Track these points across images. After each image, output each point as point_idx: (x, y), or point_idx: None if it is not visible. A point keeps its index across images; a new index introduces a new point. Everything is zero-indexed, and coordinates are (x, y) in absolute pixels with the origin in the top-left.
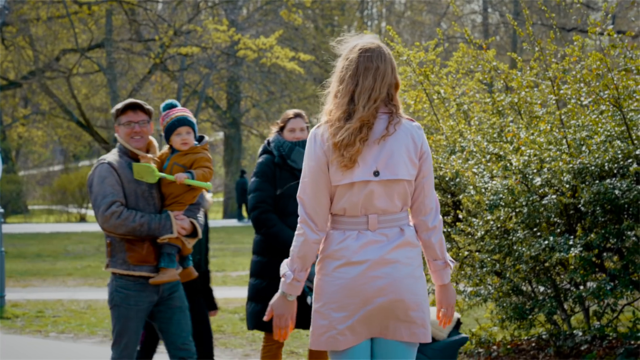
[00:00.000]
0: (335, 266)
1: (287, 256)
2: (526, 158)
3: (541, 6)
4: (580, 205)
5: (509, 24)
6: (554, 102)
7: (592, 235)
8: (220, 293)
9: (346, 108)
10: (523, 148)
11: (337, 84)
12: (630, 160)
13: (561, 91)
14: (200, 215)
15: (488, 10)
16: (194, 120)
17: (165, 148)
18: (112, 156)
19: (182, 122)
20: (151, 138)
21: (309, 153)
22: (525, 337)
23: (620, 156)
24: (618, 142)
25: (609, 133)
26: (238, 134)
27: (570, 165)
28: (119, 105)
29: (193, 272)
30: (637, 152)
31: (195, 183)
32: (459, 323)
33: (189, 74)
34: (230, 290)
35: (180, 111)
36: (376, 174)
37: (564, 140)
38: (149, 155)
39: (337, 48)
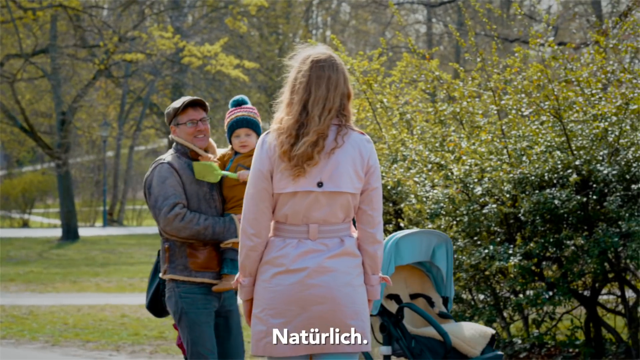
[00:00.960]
0: (274, 273)
1: None
2: (467, 167)
3: (483, 18)
4: (520, 215)
5: (453, 35)
6: (495, 112)
7: (532, 244)
8: None
9: (298, 117)
10: (464, 157)
11: (289, 93)
12: (569, 171)
13: (502, 102)
14: None
15: (432, 20)
16: (256, 119)
17: (228, 149)
18: (171, 157)
19: (241, 123)
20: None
21: (255, 159)
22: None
23: (560, 166)
24: (558, 152)
25: (549, 143)
26: None
27: (511, 175)
28: (177, 104)
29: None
30: (577, 163)
31: None
32: (493, 339)
33: (133, 80)
34: None
35: (243, 110)
36: (320, 184)
37: (505, 150)
38: (210, 155)
39: (289, 59)
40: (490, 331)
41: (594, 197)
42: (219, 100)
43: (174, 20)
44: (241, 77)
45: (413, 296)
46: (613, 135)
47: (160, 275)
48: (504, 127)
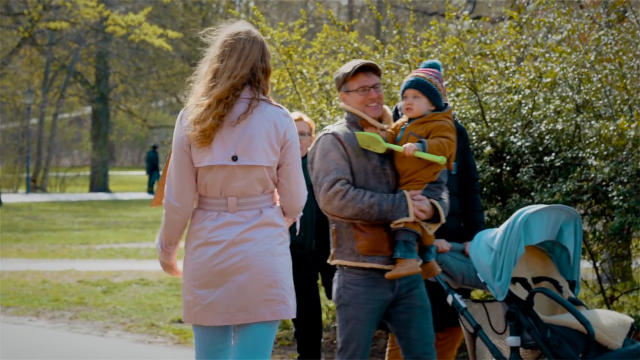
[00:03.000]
0: (195, 245)
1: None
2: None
3: None
4: None
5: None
6: None
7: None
8: (83, 266)
9: (208, 86)
10: None
11: (206, 66)
12: (484, 142)
13: None
14: (444, 196)
15: None
16: (430, 82)
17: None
18: (339, 126)
19: (409, 84)
20: (384, 106)
21: (175, 133)
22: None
23: (475, 138)
24: (473, 124)
25: (464, 115)
26: (106, 109)
27: None
28: (347, 69)
29: (436, 268)
30: (491, 135)
31: (426, 156)
32: (632, 329)
33: (57, 48)
34: (95, 263)
35: (420, 71)
36: (234, 158)
37: None
38: (383, 124)
39: (210, 34)
40: (629, 320)
41: (508, 168)
42: (143, 70)
43: None
44: (165, 47)
45: (536, 280)
46: (527, 108)
47: (329, 260)
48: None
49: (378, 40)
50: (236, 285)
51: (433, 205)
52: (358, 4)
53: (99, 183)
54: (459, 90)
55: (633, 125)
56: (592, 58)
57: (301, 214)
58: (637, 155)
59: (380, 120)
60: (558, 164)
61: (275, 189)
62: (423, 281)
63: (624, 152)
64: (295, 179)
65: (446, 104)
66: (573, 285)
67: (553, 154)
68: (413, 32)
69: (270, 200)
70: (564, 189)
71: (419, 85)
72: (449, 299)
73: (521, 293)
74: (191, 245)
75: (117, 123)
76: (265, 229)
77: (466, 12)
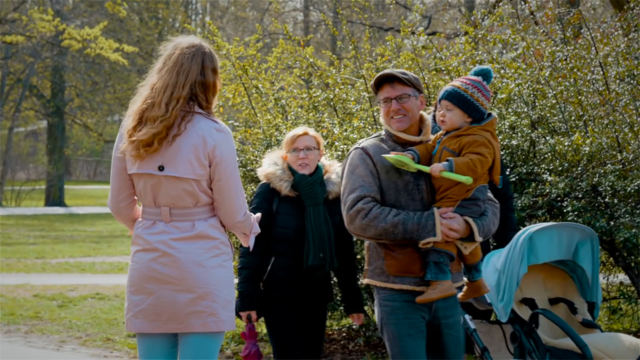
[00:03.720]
0: (134, 251)
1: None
2: (339, 153)
3: (354, 7)
4: None
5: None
6: (367, 99)
7: None
8: (39, 280)
9: (144, 101)
10: (337, 143)
11: (149, 77)
12: None
13: None
14: (490, 212)
15: (309, 8)
16: (464, 92)
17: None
18: (371, 140)
19: (443, 95)
20: (424, 114)
21: (116, 139)
22: (337, 327)
23: None
24: None
25: None
26: (62, 123)
27: None
28: (373, 80)
29: (484, 286)
30: None
31: (452, 176)
32: None
33: (13, 62)
34: (50, 277)
35: (455, 82)
36: (161, 168)
37: None
38: (422, 136)
39: (161, 47)
40: None
41: None
42: (99, 84)
43: (54, 3)
44: (120, 61)
45: (553, 301)
46: None
47: (361, 279)
48: (375, 114)
49: (334, 56)
50: (167, 294)
51: (467, 222)
52: (314, 19)
53: (54, 197)
54: None
55: (588, 141)
56: (547, 74)
57: (257, 230)
58: (592, 171)
59: (419, 130)
60: (513, 179)
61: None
62: (460, 307)
63: (579, 168)
64: (228, 195)
65: (489, 114)
66: (592, 307)
67: (508, 170)
68: (369, 47)
69: (206, 212)
70: (519, 204)
71: (450, 96)
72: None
73: (527, 315)
74: (132, 251)
75: (73, 137)
76: (197, 241)
77: (421, 28)
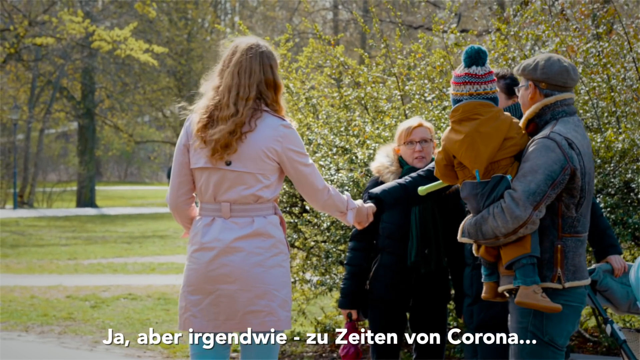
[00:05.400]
0: (192, 250)
1: None
2: (371, 151)
3: (387, 5)
4: None
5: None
6: (399, 97)
7: None
8: (71, 281)
9: (211, 101)
10: (368, 142)
11: (215, 77)
12: None
13: (406, 87)
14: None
15: (339, 7)
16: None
17: None
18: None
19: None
20: None
21: (180, 137)
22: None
23: None
24: None
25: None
26: (92, 124)
27: None
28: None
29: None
30: None
31: (428, 189)
32: None
33: (43, 64)
34: (82, 278)
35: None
36: (228, 163)
37: None
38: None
39: (222, 47)
40: None
41: None
42: (129, 85)
43: (84, 4)
44: (150, 62)
45: None
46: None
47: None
48: (407, 111)
49: (366, 54)
50: (226, 294)
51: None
52: (343, 18)
53: (85, 198)
54: (446, 104)
55: (620, 138)
56: (580, 70)
57: (354, 205)
58: (624, 167)
59: None
60: None
61: (275, 199)
62: (603, 315)
63: (612, 164)
64: (306, 182)
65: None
66: None
67: None
68: (400, 45)
69: (267, 209)
70: None
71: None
72: (608, 329)
73: None
74: (189, 250)
75: (104, 138)
76: (256, 239)
77: (454, 25)
